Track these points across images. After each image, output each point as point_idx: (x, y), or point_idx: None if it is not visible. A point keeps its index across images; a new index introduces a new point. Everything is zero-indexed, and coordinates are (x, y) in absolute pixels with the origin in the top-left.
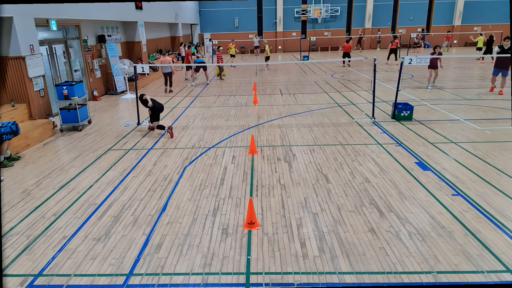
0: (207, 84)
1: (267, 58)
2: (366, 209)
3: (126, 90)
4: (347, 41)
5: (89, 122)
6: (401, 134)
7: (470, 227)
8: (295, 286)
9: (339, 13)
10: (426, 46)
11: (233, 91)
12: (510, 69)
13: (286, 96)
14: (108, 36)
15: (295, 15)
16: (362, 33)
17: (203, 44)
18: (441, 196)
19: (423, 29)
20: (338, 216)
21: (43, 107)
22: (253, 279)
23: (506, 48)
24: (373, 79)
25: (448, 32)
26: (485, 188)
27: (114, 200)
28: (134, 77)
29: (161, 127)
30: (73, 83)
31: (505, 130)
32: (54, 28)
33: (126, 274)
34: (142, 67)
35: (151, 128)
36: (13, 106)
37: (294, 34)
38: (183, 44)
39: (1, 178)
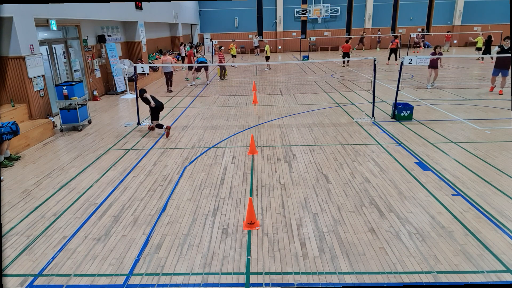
0: (207, 84)
1: (267, 58)
2: (366, 209)
3: (126, 90)
4: (347, 41)
5: (89, 122)
6: (401, 134)
7: (470, 227)
8: (295, 286)
9: (339, 13)
10: (426, 46)
11: (233, 91)
12: (510, 69)
13: (286, 96)
14: (108, 36)
15: (295, 15)
16: (365, 33)
17: (203, 44)
18: (441, 196)
19: (423, 29)
20: (338, 216)
21: (43, 107)
22: (253, 279)
23: (506, 48)
24: (373, 79)
25: (448, 32)
26: (485, 188)
27: (114, 200)
28: (134, 77)
29: (159, 126)
30: (73, 83)
31: (505, 130)
32: (54, 28)
33: (126, 274)
34: (142, 67)
35: (151, 128)
36: (13, 106)
37: (294, 34)
38: (183, 44)
39: (1, 178)
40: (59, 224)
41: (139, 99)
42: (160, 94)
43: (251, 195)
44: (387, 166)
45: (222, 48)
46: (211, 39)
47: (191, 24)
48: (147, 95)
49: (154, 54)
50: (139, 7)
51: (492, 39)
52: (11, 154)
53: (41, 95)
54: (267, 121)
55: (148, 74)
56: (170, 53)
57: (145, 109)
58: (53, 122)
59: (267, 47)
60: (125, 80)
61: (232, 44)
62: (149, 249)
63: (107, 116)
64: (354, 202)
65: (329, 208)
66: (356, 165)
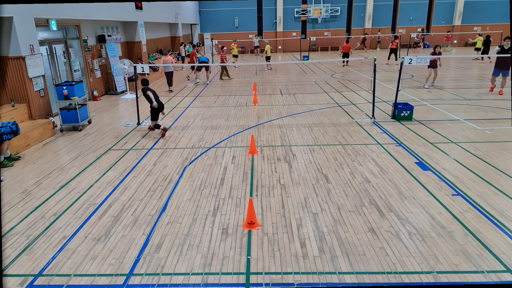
0: (207, 84)
1: (268, 58)
2: (366, 209)
3: (126, 90)
4: (347, 41)
5: (89, 122)
6: (401, 134)
7: (470, 227)
8: (295, 286)
9: (339, 13)
10: (426, 46)
11: (233, 91)
12: (510, 69)
13: (286, 96)
14: (108, 36)
15: (295, 15)
16: (366, 35)
17: (203, 44)
18: (441, 196)
19: (423, 29)
20: (338, 216)
21: (43, 107)
22: (253, 279)
23: (506, 48)
24: (373, 79)
25: (448, 32)
26: (485, 188)
27: (114, 200)
28: (134, 77)
29: (157, 127)
30: (73, 83)
31: (505, 130)
32: (54, 28)
33: (126, 274)
34: (142, 67)
35: (151, 128)
36: (13, 106)
37: (294, 34)
38: (183, 44)
39: (1, 178)
40: (59, 224)
41: (139, 99)
42: (161, 94)
43: (251, 195)
44: (387, 166)
45: (225, 48)
46: (212, 39)
47: (191, 24)
48: (150, 94)
49: (154, 54)
50: (139, 7)
51: (491, 39)
52: (11, 154)
53: (41, 95)
54: (267, 121)
55: (148, 74)
56: (170, 53)
57: (145, 109)
58: (53, 122)
59: (267, 47)
60: (125, 80)
61: (233, 44)
62: (149, 249)
63: (107, 116)
64: (354, 202)
65: (329, 208)
66: (356, 165)
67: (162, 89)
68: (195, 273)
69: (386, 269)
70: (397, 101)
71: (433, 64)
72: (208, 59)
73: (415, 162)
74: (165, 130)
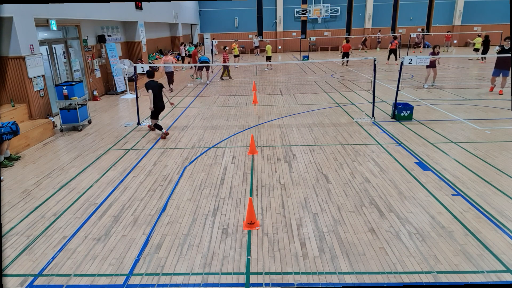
0: (207, 84)
1: (269, 58)
2: (366, 209)
3: (126, 90)
4: (347, 41)
5: (89, 122)
6: (401, 134)
7: (470, 227)
8: (295, 286)
9: (339, 13)
10: (426, 46)
11: (233, 91)
12: (510, 69)
13: (286, 96)
14: (108, 36)
15: (295, 15)
16: (367, 35)
17: (203, 44)
18: (441, 196)
19: (423, 29)
20: (338, 216)
21: (43, 107)
22: (253, 279)
23: (506, 48)
24: (373, 79)
25: (448, 32)
26: (485, 188)
27: (114, 200)
28: (134, 77)
29: (158, 127)
30: (73, 83)
31: (505, 130)
32: (54, 28)
33: (126, 274)
34: (142, 67)
35: (151, 128)
36: (13, 106)
37: (294, 34)
38: (183, 44)
39: (1, 178)
40: (59, 224)
41: (139, 99)
42: None
43: (251, 195)
44: (387, 166)
45: (227, 48)
46: (213, 39)
47: (191, 24)
48: (150, 93)
49: (154, 54)
50: (139, 7)
51: (489, 39)
52: (11, 154)
53: (41, 95)
54: (267, 121)
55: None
56: (171, 53)
57: (145, 109)
58: (53, 122)
59: (268, 47)
60: (125, 80)
61: (234, 44)
62: (149, 249)
63: (107, 116)
64: (354, 202)
65: (329, 208)
66: (356, 165)
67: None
68: (195, 273)
69: (386, 269)
70: (397, 101)
71: (432, 64)
72: (208, 59)
73: (415, 162)
74: (166, 134)
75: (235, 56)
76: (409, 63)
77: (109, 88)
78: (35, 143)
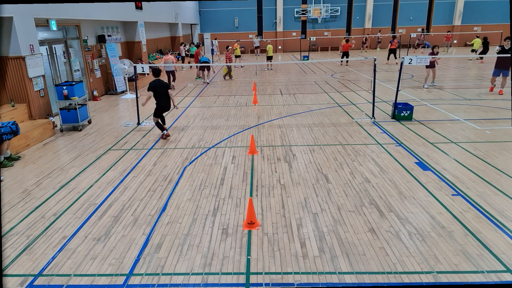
0: (207, 84)
1: (270, 58)
2: (366, 209)
3: (126, 90)
4: (347, 41)
5: (89, 122)
6: (401, 134)
7: (470, 227)
8: (295, 286)
9: (339, 13)
10: (426, 46)
11: (233, 91)
12: (510, 69)
13: (286, 96)
14: (108, 36)
15: (295, 15)
16: (367, 34)
17: (203, 44)
18: (441, 196)
19: (423, 29)
20: (338, 216)
21: (43, 107)
22: (253, 279)
23: (506, 48)
24: (373, 79)
25: (448, 32)
26: (485, 188)
27: (114, 200)
28: (134, 77)
29: (160, 127)
30: (73, 83)
31: (505, 130)
32: (54, 28)
33: (126, 274)
34: (142, 67)
35: (164, 137)
36: (13, 106)
37: (294, 34)
38: (183, 44)
39: (1, 178)
40: (59, 224)
41: (139, 100)
42: None
43: (251, 195)
44: (387, 166)
45: (230, 48)
46: (215, 38)
47: (191, 24)
48: (149, 95)
49: (154, 54)
50: (139, 7)
51: (488, 40)
52: (11, 154)
53: (41, 95)
54: (267, 121)
55: (148, 74)
56: (171, 53)
57: (145, 109)
58: (53, 122)
59: (269, 47)
60: (125, 80)
61: (236, 45)
62: (149, 249)
63: (107, 116)
64: (354, 202)
65: (329, 208)
66: (356, 165)
67: None
68: (195, 273)
69: (386, 269)
70: (397, 101)
71: (431, 64)
72: (208, 59)
73: (415, 162)
74: (167, 136)
75: (237, 56)
76: (409, 63)
77: (109, 88)
78: (35, 143)
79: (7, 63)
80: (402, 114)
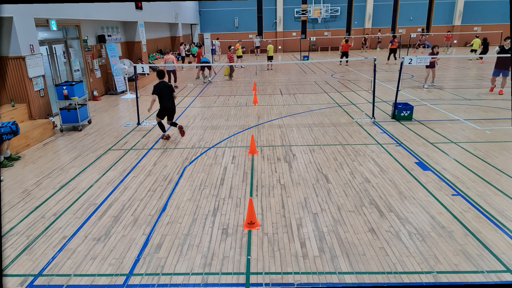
0: (207, 84)
1: (270, 58)
2: (366, 209)
3: (126, 90)
4: (346, 41)
5: (89, 122)
6: (401, 134)
7: (470, 227)
8: (295, 286)
9: (339, 13)
10: (426, 46)
11: (233, 91)
12: (510, 69)
13: (286, 96)
14: (108, 36)
15: (295, 15)
16: (367, 35)
17: (203, 44)
18: (441, 196)
19: (423, 29)
20: (338, 216)
21: (43, 107)
22: (253, 279)
23: (506, 48)
24: (373, 79)
25: (448, 32)
26: (485, 188)
27: (114, 200)
28: (134, 77)
29: (161, 127)
30: (73, 83)
31: (505, 130)
32: (54, 28)
33: (126, 274)
34: (142, 67)
35: (165, 137)
36: (13, 106)
37: (294, 34)
38: (183, 44)
39: (1, 178)
40: (59, 224)
41: (139, 99)
42: None
43: (251, 195)
44: (387, 166)
45: (232, 48)
46: (217, 38)
47: (191, 24)
48: (155, 99)
49: (154, 54)
50: (139, 7)
51: (488, 41)
52: (11, 154)
53: (41, 95)
54: (267, 121)
55: (148, 74)
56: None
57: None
58: (53, 122)
59: (270, 47)
60: (125, 80)
61: (238, 45)
62: (149, 249)
63: (107, 116)
64: (354, 202)
65: (329, 208)
66: (356, 165)
67: None
68: (195, 273)
69: (386, 269)
70: (397, 101)
71: (431, 64)
72: (208, 60)
73: (415, 162)
74: (168, 137)
75: (238, 57)
76: (409, 63)
77: (109, 88)
78: (35, 143)
79: (7, 63)
80: (402, 114)
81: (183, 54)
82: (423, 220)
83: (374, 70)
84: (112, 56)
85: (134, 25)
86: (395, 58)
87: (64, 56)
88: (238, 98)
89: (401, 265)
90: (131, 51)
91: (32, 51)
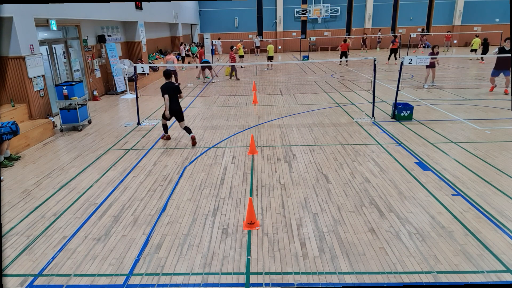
0: (207, 83)
1: (270, 58)
2: (366, 209)
3: (126, 90)
4: (345, 41)
5: (89, 122)
6: (401, 134)
7: (470, 227)
8: (295, 286)
9: (339, 13)
10: (426, 46)
11: (233, 91)
12: (510, 69)
13: (286, 96)
14: (108, 36)
15: (295, 15)
16: (366, 35)
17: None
18: (441, 196)
19: (423, 29)
20: (338, 216)
21: (43, 107)
22: (253, 279)
23: (507, 49)
24: (373, 79)
25: (448, 32)
26: (485, 188)
27: (114, 200)
28: (134, 77)
29: (165, 128)
30: (73, 83)
31: (505, 130)
32: (54, 28)
33: (126, 274)
34: (142, 67)
35: (165, 138)
36: (13, 106)
37: (294, 34)
38: (183, 44)
39: (1, 178)
40: (59, 224)
41: (139, 99)
42: None
43: (251, 195)
44: (387, 166)
45: (234, 48)
46: (218, 38)
47: (191, 24)
48: (167, 100)
49: (154, 54)
50: (139, 7)
51: (488, 41)
52: (11, 154)
53: (41, 95)
54: (267, 121)
55: (148, 74)
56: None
57: (145, 109)
58: (53, 122)
59: (270, 47)
60: (125, 80)
61: (239, 45)
62: (149, 249)
63: (107, 116)
64: (354, 202)
65: (329, 208)
66: (356, 165)
67: None
68: (195, 273)
69: (386, 269)
70: (397, 101)
71: (431, 64)
72: (208, 60)
73: (415, 162)
74: (168, 138)
75: (240, 57)
76: (409, 63)
77: (109, 88)
78: (35, 143)
79: (7, 63)
80: (402, 114)
81: (183, 54)
82: (423, 220)
83: (374, 70)
84: (112, 56)
85: (134, 25)
86: (396, 58)
87: (64, 56)
88: (238, 98)
89: (401, 265)
90: (131, 51)
91: (32, 51)
